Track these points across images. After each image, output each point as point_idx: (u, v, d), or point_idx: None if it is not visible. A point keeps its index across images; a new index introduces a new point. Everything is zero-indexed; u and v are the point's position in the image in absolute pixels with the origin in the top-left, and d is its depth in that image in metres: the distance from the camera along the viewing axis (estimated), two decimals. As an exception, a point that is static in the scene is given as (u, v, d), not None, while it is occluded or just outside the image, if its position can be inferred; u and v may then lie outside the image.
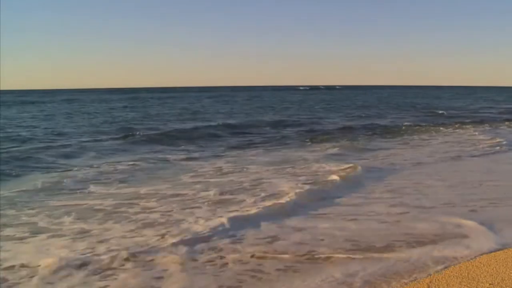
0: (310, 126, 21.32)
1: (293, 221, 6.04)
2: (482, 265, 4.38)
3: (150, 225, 5.97)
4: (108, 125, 22.25)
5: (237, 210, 6.55)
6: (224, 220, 5.96)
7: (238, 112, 32.10)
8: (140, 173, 9.71)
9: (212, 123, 22.21)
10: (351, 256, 4.76)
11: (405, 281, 4.16)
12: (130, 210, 6.73)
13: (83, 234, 5.69)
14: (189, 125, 21.82)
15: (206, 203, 7.01)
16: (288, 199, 7.00)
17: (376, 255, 4.80)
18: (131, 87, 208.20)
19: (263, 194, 7.51)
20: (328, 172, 9.34)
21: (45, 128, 20.70)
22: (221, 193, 7.63)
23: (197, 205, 6.94)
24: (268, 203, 6.87)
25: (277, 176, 9.11)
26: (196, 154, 12.62)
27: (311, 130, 19.87)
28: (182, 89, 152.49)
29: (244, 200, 7.18)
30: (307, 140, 16.03)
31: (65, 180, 8.89)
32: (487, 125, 21.44)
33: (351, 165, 9.96)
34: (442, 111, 30.97)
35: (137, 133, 17.65)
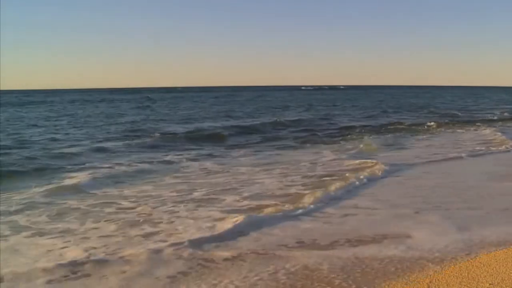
0: (313, 127, 21.29)
1: (265, 221, 6.12)
2: (482, 265, 4.37)
3: (133, 225, 6.11)
4: (118, 126, 22.13)
5: (215, 210, 6.74)
6: (196, 221, 6.20)
7: (244, 112, 32.17)
8: (139, 175, 9.71)
9: (219, 124, 22.28)
10: (295, 252, 5.00)
11: (405, 281, 4.15)
12: (115, 211, 6.84)
13: (67, 233, 5.83)
14: (195, 125, 21.89)
15: (188, 204, 7.13)
16: (269, 201, 7.17)
17: (319, 252, 4.99)
18: (132, 87, 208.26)
19: (245, 194, 7.69)
20: (320, 174, 9.44)
21: (52, 130, 20.71)
22: (206, 194, 7.78)
23: (179, 206, 7.07)
24: (249, 203, 7.08)
25: (268, 177, 9.23)
26: (199, 155, 12.62)
27: (313, 130, 19.90)
28: (185, 89, 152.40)
29: (225, 200, 7.35)
30: (308, 141, 16.05)
31: (62, 182, 8.92)
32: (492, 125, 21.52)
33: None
34: (456, 112, 30.92)
35: (153, 134, 17.71)
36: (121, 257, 4.85)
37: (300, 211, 6.57)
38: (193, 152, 13.09)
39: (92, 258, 4.84)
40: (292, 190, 7.97)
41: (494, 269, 4.24)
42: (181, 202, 7.26)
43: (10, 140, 16.01)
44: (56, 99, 65.30)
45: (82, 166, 10.81)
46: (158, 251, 4.98)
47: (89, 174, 9.63)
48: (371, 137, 16.49)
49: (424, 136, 17.24)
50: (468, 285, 3.92)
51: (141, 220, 6.28)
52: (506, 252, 4.70)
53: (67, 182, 8.87)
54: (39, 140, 16.22)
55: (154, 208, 6.93)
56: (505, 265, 4.31)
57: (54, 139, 16.49)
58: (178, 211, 6.72)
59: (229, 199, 7.41)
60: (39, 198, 7.56)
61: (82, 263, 4.71)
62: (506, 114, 28.48)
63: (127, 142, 15.38)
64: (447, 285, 3.96)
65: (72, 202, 7.33)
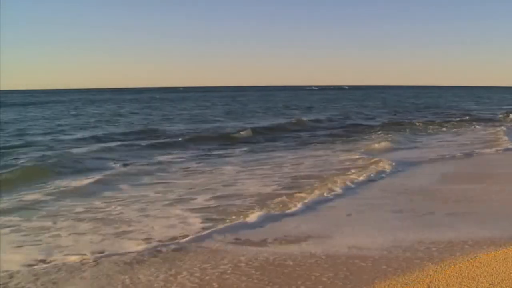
0: (312, 128, 21.26)
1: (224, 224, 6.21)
2: (482, 265, 4.37)
3: (106, 224, 6.29)
4: (125, 126, 22.20)
5: (183, 210, 6.92)
6: (160, 220, 6.45)
7: (256, 112, 32.24)
8: (130, 176, 9.79)
9: (229, 124, 22.52)
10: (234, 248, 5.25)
11: (405, 280, 4.15)
12: (86, 210, 7.02)
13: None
14: (204, 126, 22.04)
15: (160, 204, 7.32)
16: (239, 201, 7.34)
17: (250, 248, 5.22)
18: (133, 87, 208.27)
19: (218, 194, 7.87)
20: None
21: (58, 130, 20.79)
22: (179, 195, 7.91)
23: (151, 205, 7.27)
24: (218, 203, 7.26)
25: (249, 178, 9.35)
26: (195, 156, 12.62)
27: (315, 130, 20.02)
28: (186, 89, 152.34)
29: (196, 199, 7.52)
30: (309, 140, 16.15)
31: (53, 183, 9.07)
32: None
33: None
34: (461, 111, 31.10)
35: (161, 134, 18.00)
36: (81, 255, 5.04)
37: (263, 213, 6.59)
38: (192, 153, 13.15)
39: (56, 255, 5.08)
40: (268, 191, 8.02)
41: (494, 269, 4.24)
42: (155, 202, 7.45)
43: (16, 141, 16.08)
44: (59, 99, 65.51)
45: (81, 166, 10.91)
46: (120, 248, 5.22)
47: (84, 175, 9.76)
48: (378, 136, 16.57)
49: (425, 136, 17.26)
50: (468, 285, 3.92)
51: (112, 219, 6.47)
52: (506, 252, 4.70)
53: (58, 183, 9.01)
54: (43, 141, 16.30)
55: (126, 208, 7.09)
56: (505, 265, 4.31)
57: (58, 140, 16.61)
58: (148, 211, 6.89)
59: (201, 199, 7.55)
60: (27, 199, 7.70)
61: (45, 260, 4.94)
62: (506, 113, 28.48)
63: (131, 142, 15.45)
64: (447, 285, 3.96)
65: (55, 202, 7.47)
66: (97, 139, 16.79)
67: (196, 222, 6.21)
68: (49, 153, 12.96)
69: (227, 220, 6.25)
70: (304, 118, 24.43)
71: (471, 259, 4.57)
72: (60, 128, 21.62)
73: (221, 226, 5.97)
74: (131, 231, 5.92)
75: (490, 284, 3.92)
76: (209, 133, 18.32)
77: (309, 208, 6.86)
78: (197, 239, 5.48)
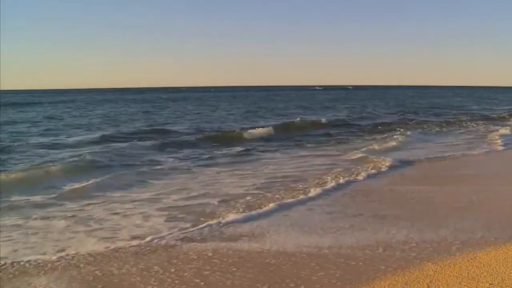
0: (317, 128, 21.06)
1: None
2: (482, 265, 4.38)
3: (77, 222, 6.45)
4: (128, 128, 22.06)
5: (151, 209, 7.09)
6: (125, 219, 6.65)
7: (252, 113, 32.03)
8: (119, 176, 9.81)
9: (232, 125, 22.64)
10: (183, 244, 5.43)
11: (405, 280, 4.16)
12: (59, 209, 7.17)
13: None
14: (207, 126, 22.06)
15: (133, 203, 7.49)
16: (208, 200, 7.50)
17: (217, 244, 5.38)
18: (135, 87, 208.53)
19: (193, 194, 7.99)
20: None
21: (61, 130, 20.90)
22: (155, 194, 8.03)
23: (122, 205, 7.40)
24: (188, 203, 7.40)
25: (228, 178, 9.46)
26: (188, 157, 12.59)
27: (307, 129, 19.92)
28: (189, 89, 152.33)
29: (168, 199, 7.72)
30: (303, 142, 16.11)
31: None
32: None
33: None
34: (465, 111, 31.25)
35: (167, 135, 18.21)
36: (49, 252, 5.19)
37: (229, 212, 6.69)
38: (190, 153, 13.15)
39: (24, 252, 5.25)
40: (240, 191, 8.06)
41: (494, 269, 4.25)
42: (130, 202, 7.57)
43: (16, 141, 16.01)
44: (60, 99, 65.42)
45: (79, 167, 10.84)
46: (88, 246, 5.41)
47: (80, 176, 9.72)
48: (380, 137, 16.54)
49: (426, 136, 17.27)
50: (468, 285, 3.93)
51: (83, 218, 6.64)
52: (506, 252, 4.71)
53: (54, 184, 9.00)
54: (44, 141, 16.28)
55: (101, 207, 7.22)
56: (505, 265, 4.32)
57: (60, 140, 16.62)
58: (120, 210, 7.05)
59: (173, 199, 7.69)
60: (16, 199, 7.76)
61: (12, 256, 5.10)
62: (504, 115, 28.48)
63: (133, 143, 15.42)
64: (447, 285, 3.97)
65: (39, 203, 7.55)
66: (99, 139, 16.72)
67: (163, 221, 6.38)
68: (49, 154, 12.99)
69: (193, 220, 6.38)
70: (320, 119, 24.27)
71: (471, 259, 4.58)
72: (61, 128, 21.62)
73: (186, 225, 6.14)
74: (100, 229, 6.07)
75: (490, 284, 3.93)
76: (212, 133, 18.26)
77: (281, 208, 6.89)
78: (163, 237, 5.65)
